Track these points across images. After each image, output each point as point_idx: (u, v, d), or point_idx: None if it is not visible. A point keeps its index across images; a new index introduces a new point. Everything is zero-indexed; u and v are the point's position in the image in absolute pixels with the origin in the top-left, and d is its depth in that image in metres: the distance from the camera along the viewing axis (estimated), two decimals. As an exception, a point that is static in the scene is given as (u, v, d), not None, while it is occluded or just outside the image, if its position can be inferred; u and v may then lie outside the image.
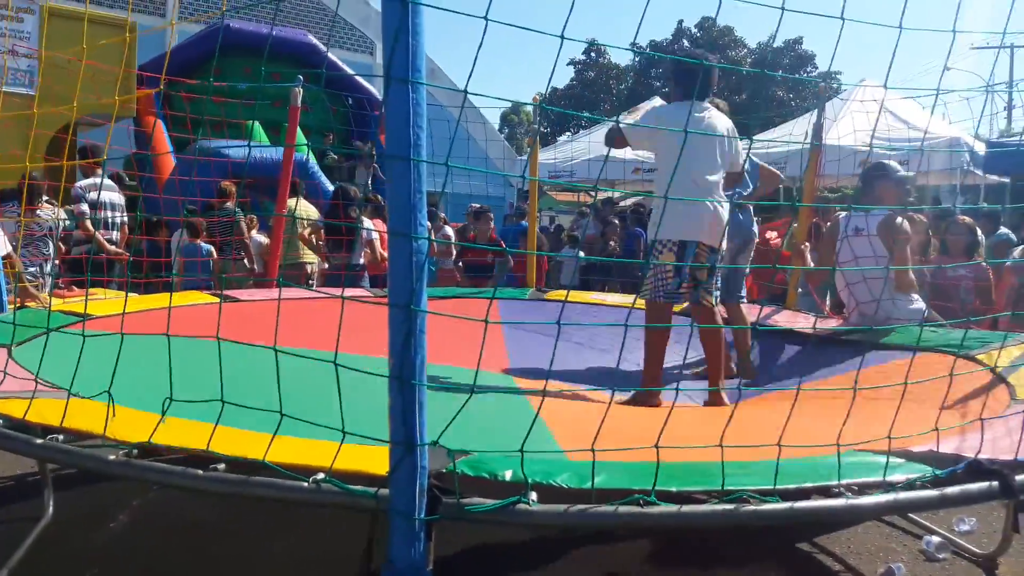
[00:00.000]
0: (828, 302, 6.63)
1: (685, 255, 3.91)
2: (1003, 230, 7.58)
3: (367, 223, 7.53)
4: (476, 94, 1.72)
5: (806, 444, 1.92)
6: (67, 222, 7.07)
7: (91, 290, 5.86)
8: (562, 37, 1.45)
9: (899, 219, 4.64)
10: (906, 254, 4.65)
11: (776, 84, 33.94)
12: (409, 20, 1.41)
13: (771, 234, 7.96)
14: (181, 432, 1.91)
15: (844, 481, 1.82)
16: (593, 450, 1.68)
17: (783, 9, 1.97)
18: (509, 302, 6.19)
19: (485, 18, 1.43)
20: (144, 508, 3.72)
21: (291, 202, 7.39)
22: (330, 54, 12.67)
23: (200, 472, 1.75)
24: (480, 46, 1.43)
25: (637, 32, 2.03)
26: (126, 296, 4.53)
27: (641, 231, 10.00)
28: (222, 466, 1.76)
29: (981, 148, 11.34)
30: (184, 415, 1.98)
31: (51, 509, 3.53)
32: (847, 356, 4.33)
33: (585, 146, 13.76)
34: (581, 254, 10.33)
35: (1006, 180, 12.48)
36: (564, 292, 7.00)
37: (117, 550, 3.22)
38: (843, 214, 4.92)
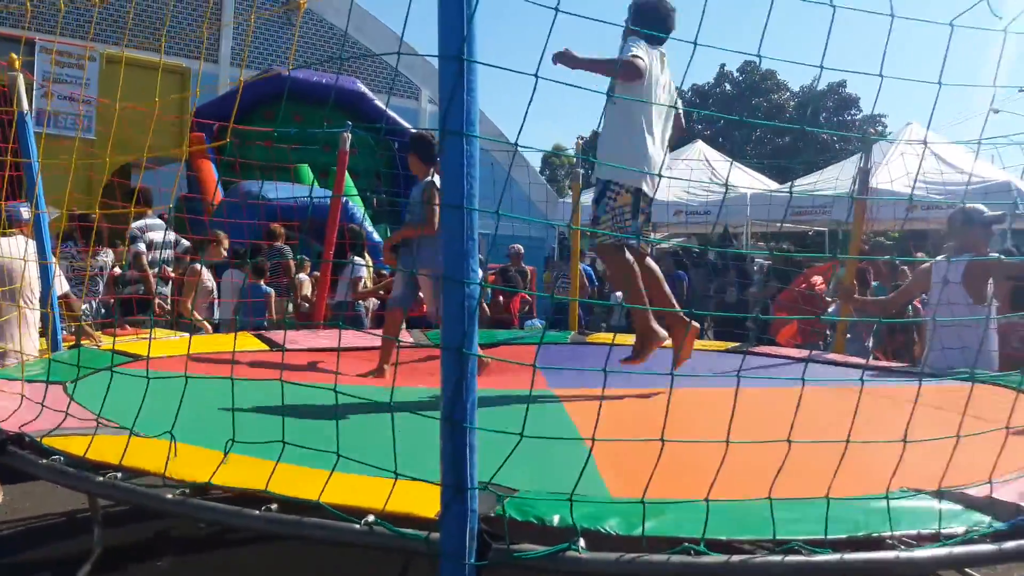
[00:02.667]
0: (873, 345, 6.54)
1: (640, 200, 3.87)
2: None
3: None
4: (526, 147, 1.76)
5: (858, 496, 1.90)
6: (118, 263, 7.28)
7: (143, 330, 6.02)
8: (610, 96, 1.49)
9: (995, 255, 4.61)
10: (999, 290, 4.59)
11: (820, 127, 33.76)
12: (464, 77, 1.47)
13: (816, 278, 7.88)
14: (236, 470, 1.95)
15: (898, 532, 1.79)
16: (643, 502, 1.68)
17: (822, 67, 2.00)
18: (550, 346, 6.16)
19: (535, 75, 1.48)
20: (192, 545, 3.77)
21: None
22: (376, 100, 12.93)
23: (255, 512, 1.79)
24: (530, 103, 1.48)
25: (685, 76, 2.07)
26: (190, 339, 4.63)
27: (682, 274, 9.97)
28: (275, 506, 1.79)
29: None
30: (239, 452, 2.03)
31: (100, 546, 3.59)
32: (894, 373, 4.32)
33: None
34: (620, 295, 10.30)
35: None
36: (608, 335, 6.99)
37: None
38: (939, 259, 4.93)
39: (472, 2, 1.47)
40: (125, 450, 2.04)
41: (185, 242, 7.87)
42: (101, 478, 2.01)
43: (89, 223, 6.39)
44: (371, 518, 1.70)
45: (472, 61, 1.49)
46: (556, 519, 1.72)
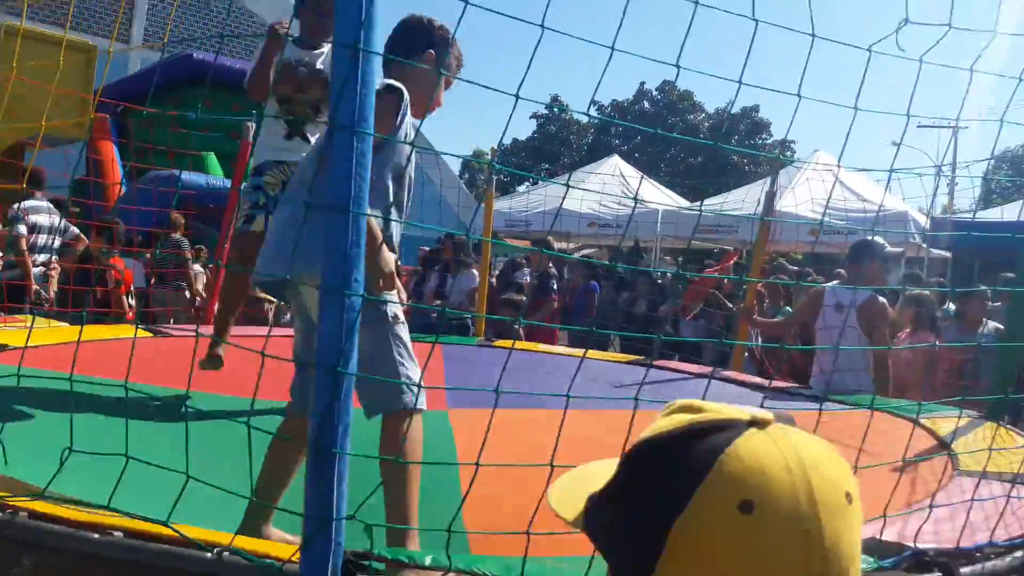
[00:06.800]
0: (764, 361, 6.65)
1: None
2: (949, 306, 7.69)
3: None
4: (447, 154, 1.64)
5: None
6: None
7: (16, 317, 5.60)
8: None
9: (882, 301, 4.73)
10: (884, 341, 4.69)
11: (733, 148, 34.63)
12: (359, 69, 1.34)
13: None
14: (78, 488, 1.75)
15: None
16: (529, 532, 1.56)
17: (740, 82, 1.95)
18: (454, 348, 5.98)
19: (471, 82, 1.36)
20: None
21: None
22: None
23: (96, 536, 1.60)
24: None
25: (596, 89, 1.98)
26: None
27: (595, 285, 9.92)
28: (119, 533, 1.60)
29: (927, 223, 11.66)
30: (83, 472, 1.82)
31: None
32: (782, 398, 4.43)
33: (542, 197, 13.81)
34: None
35: (947, 255, 12.88)
36: (511, 341, 6.89)
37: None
38: (828, 286, 5.01)
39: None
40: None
41: (74, 229, 7.41)
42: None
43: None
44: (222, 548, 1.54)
45: (368, 51, 1.35)
46: (428, 560, 1.58)
